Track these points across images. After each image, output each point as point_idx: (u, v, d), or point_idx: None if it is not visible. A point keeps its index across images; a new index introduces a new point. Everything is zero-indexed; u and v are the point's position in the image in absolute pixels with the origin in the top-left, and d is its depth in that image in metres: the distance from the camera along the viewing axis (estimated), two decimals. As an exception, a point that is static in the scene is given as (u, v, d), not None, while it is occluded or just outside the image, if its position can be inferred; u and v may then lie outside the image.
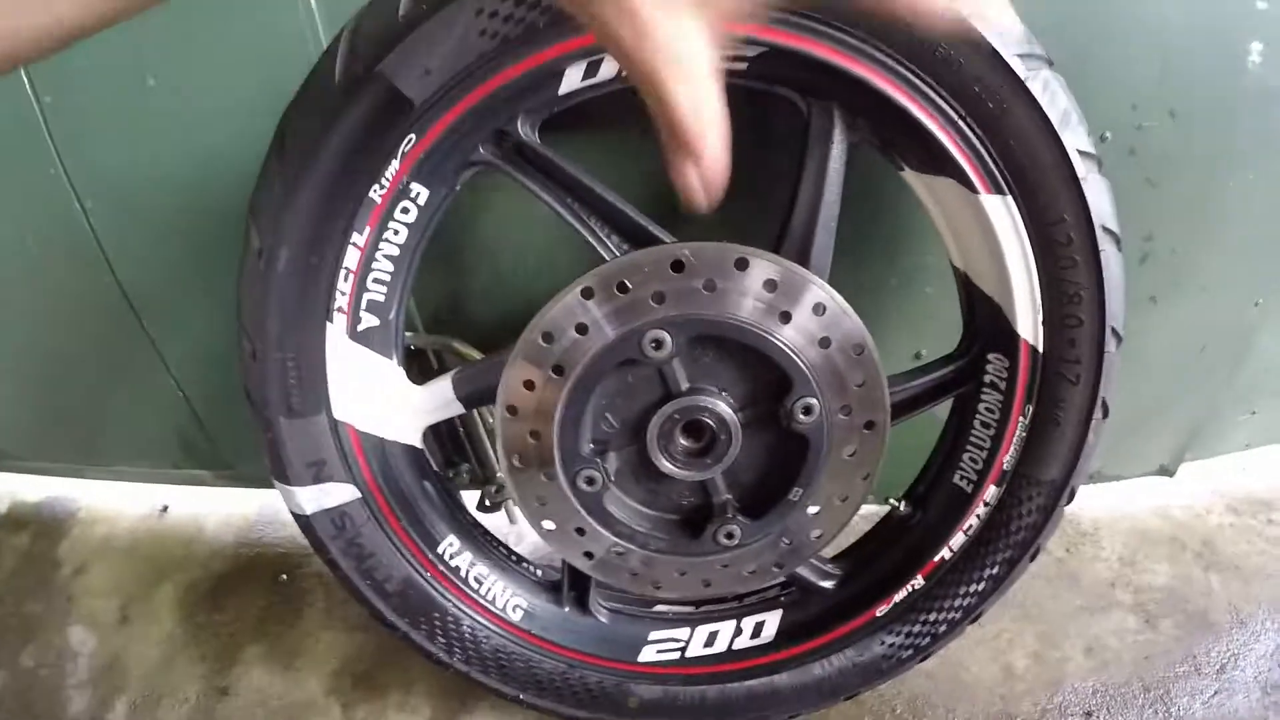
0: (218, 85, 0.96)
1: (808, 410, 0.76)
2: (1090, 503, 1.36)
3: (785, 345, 0.73)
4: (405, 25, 0.73)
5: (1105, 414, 0.88)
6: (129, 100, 0.96)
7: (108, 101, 0.97)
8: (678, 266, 0.71)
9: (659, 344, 0.72)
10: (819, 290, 0.73)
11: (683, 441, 0.80)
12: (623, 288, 0.72)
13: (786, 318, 0.73)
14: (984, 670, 1.15)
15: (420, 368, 0.99)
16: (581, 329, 0.73)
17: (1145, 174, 1.04)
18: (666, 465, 0.79)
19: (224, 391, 1.14)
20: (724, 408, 0.77)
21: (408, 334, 0.96)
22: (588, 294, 0.72)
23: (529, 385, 0.76)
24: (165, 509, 1.44)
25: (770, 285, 0.72)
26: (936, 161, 0.78)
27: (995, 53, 0.73)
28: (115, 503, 1.47)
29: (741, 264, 0.71)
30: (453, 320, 1.00)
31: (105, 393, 1.26)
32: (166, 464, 1.33)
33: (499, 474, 1.01)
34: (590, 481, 0.79)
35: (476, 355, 0.95)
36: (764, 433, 0.80)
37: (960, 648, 1.12)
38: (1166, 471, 1.38)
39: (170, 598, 1.31)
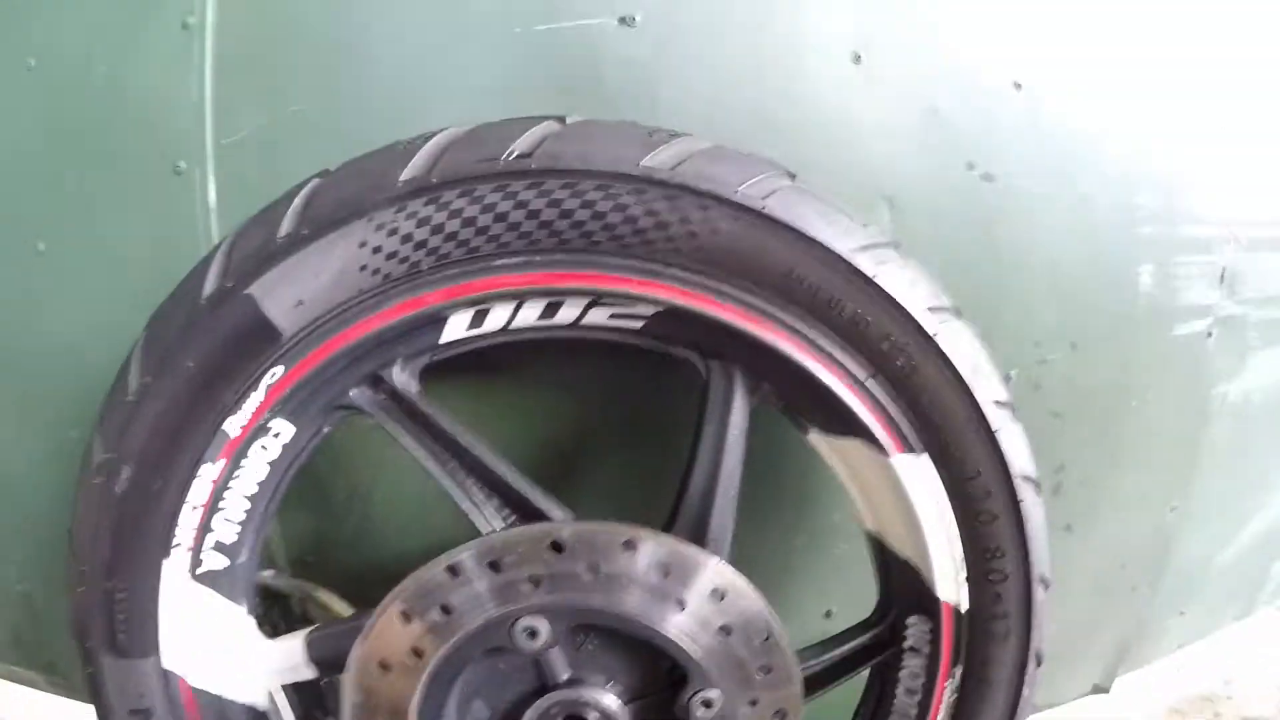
0: (106, 266, 0.89)
1: (707, 704, 0.65)
2: (1028, 736, 1.25)
3: (679, 637, 0.63)
4: (284, 247, 0.66)
5: (1039, 663, 0.80)
6: (16, 260, 0.89)
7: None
8: (557, 547, 0.62)
9: (533, 633, 0.62)
10: (716, 574, 0.64)
11: (564, 735, 0.68)
12: (495, 567, 0.62)
13: (681, 605, 0.64)
14: None
15: (282, 611, 0.86)
16: (446, 609, 0.62)
17: (1050, 407, 1.02)
18: (544, 764, 0.66)
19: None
20: (610, 701, 0.66)
21: (267, 573, 0.83)
22: (454, 571, 0.62)
23: (384, 666, 0.64)
24: None
25: (662, 569, 0.63)
26: (844, 423, 0.73)
27: (903, 308, 0.69)
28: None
29: (628, 545, 0.63)
30: (318, 565, 0.88)
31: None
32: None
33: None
34: (452, 786, 0.66)
35: (340, 607, 0.82)
36: (658, 726, 0.68)
37: None
38: (1101, 689, 1.29)
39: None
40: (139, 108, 0.83)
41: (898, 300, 0.69)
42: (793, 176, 0.69)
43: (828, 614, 1.00)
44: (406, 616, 0.63)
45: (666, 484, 0.72)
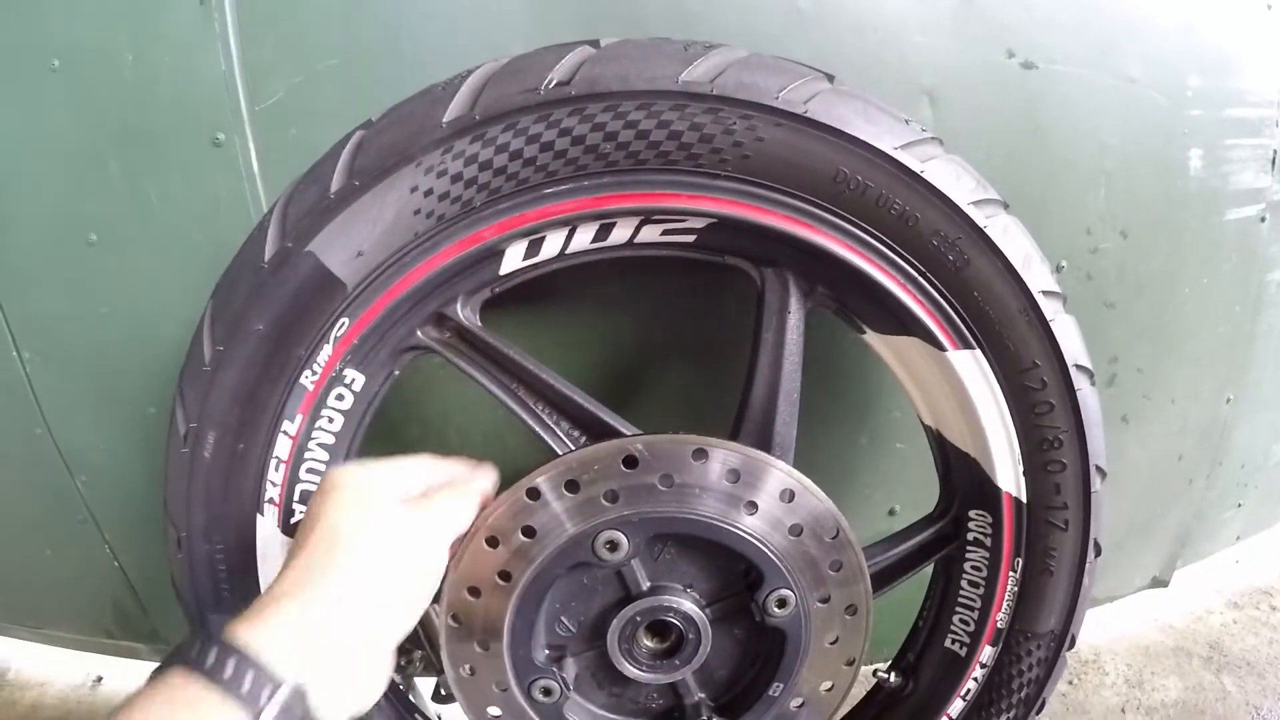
0: (159, 247, 0.89)
1: (783, 603, 0.66)
2: (1087, 629, 1.25)
3: (753, 537, 0.64)
4: (337, 202, 0.66)
5: (1098, 553, 0.79)
6: (70, 254, 0.90)
7: (49, 254, 0.91)
8: (630, 462, 0.62)
9: (614, 546, 0.63)
10: (785, 475, 0.64)
11: (648, 643, 0.69)
12: (572, 487, 0.63)
13: (752, 508, 0.64)
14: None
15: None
16: (529, 532, 0.64)
17: (1103, 297, 0.99)
18: (631, 670, 0.68)
19: (160, 563, 1.03)
20: (690, 606, 0.67)
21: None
22: (534, 495, 0.63)
23: (474, 592, 0.65)
24: (99, 680, 1.28)
25: (732, 475, 0.63)
26: (899, 322, 0.71)
27: (952, 203, 0.67)
28: (47, 669, 1.32)
29: (699, 455, 0.63)
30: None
31: (35, 549, 1.13)
32: (99, 633, 1.19)
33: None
34: (547, 692, 0.68)
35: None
36: (737, 627, 0.70)
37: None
38: (1160, 583, 1.29)
39: (100, 778, 1.15)
40: (169, 88, 0.83)
41: (945, 194, 0.67)
42: (831, 79, 0.67)
43: (891, 511, 1.00)
44: (492, 542, 0.64)
45: (729, 393, 0.72)
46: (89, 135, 0.86)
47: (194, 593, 0.75)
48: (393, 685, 0.84)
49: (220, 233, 0.85)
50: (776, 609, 0.66)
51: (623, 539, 0.63)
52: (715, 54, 0.65)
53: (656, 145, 0.64)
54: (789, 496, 0.64)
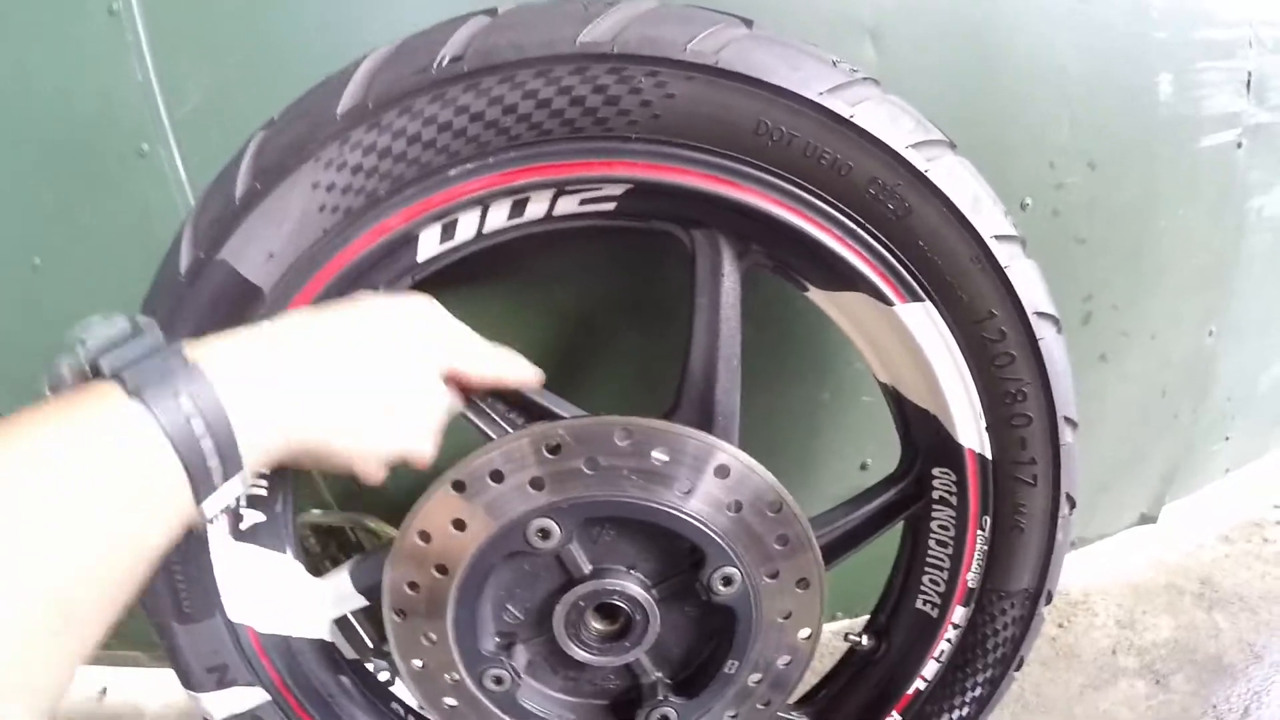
0: (98, 265, 0.87)
1: (728, 580, 0.63)
2: (1076, 570, 1.21)
3: (689, 516, 0.60)
4: (243, 206, 0.62)
5: (1072, 507, 0.75)
6: (17, 278, 0.88)
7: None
8: (554, 449, 0.59)
9: (546, 533, 0.60)
10: (719, 452, 0.60)
11: (596, 625, 0.67)
12: (497, 476, 0.60)
13: (685, 487, 0.60)
14: (991, 782, 1.00)
15: (339, 544, 0.86)
16: (459, 525, 0.61)
17: (1073, 233, 0.93)
18: (582, 654, 0.66)
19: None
20: (634, 587, 0.64)
21: (315, 512, 0.84)
22: (459, 487, 0.60)
23: (413, 587, 0.63)
24: (104, 692, 1.30)
25: (662, 454, 0.59)
26: (841, 277, 0.67)
27: (888, 148, 0.61)
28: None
29: (624, 435, 0.59)
30: (360, 493, 0.88)
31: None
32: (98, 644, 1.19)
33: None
34: (498, 681, 0.66)
35: (389, 530, 0.82)
36: (687, 605, 0.67)
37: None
38: (1149, 519, 1.24)
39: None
40: (88, 104, 0.80)
41: (879, 139, 0.61)
42: (749, 24, 0.61)
43: (863, 466, 0.97)
44: (424, 536, 0.61)
45: (675, 363, 0.68)
46: (18, 159, 0.83)
47: (155, 605, 0.73)
48: (374, 681, 0.83)
49: (155, 245, 0.82)
50: (722, 587, 0.63)
51: (554, 526, 0.60)
52: (617, 9, 0.59)
53: (560, 114, 0.59)
54: (724, 473, 0.60)
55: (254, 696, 0.77)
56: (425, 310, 0.57)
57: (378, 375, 0.52)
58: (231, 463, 0.42)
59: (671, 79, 0.59)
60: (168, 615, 0.73)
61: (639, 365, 0.86)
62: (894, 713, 0.80)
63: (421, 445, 0.55)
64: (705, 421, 0.66)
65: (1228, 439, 1.24)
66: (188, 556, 0.72)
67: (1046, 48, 0.84)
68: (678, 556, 0.64)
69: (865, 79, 0.62)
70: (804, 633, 0.67)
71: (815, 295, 0.71)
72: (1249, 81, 0.95)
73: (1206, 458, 1.24)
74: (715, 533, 0.61)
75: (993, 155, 0.86)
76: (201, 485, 0.41)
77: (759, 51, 0.59)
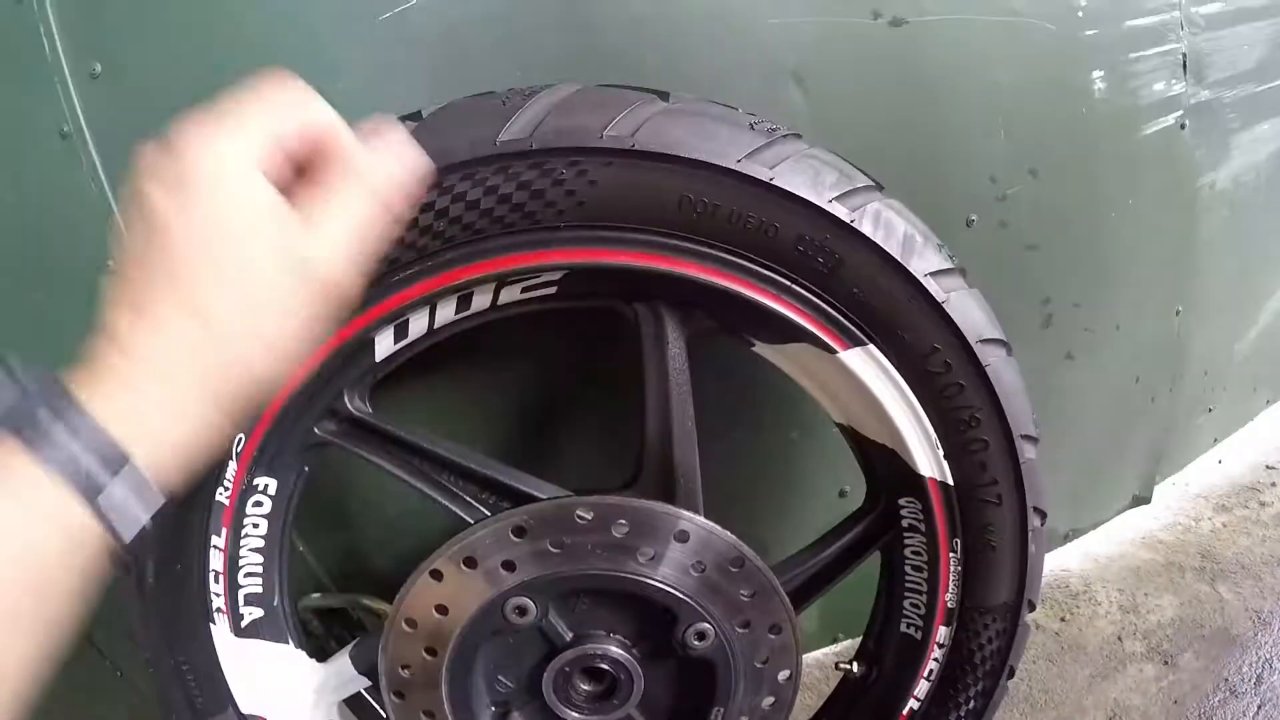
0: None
1: (701, 635, 0.65)
2: (1074, 559, 1.21)
3: (655, 581, 0.63)
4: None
5: (1043, 519, 0.76)
6: None
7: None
8: (519, 532, 0.61)
9: (523, 610, 0.63)
10: (674, 518, 0.62)
11: (585, 687, 0.69)
12: (470, 563, 0.62)
13: (649, 554, 0.62)
14: (1006, 783, 1.01)
15: (343, 624, 0.89)
16: (441, 609, 0.63)
17: (1023, 241, 0.94)
18: (574, 715, 0.68)
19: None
20: (616, 650, 0.66)
21: (314, 596, 0.87)
22: (437, 576, 0.63)
23: (406, 668, 0.66)
24: None
25: (622, 527, 0.62)
26: (783, 332, 0.68)
27: (810, 204, 0.63)
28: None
29: (585, 514, 0.61)
30: (358, 574, 0.91)
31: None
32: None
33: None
34: (498, 749, 0.69)
35: (388, 609, 0.85)
36: (667, 659, 0.69)
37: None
38: (1142, 500, 1.24)
39: None
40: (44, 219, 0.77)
41: (802, 197, 0.63)
42: (665, 97, 0.62)
43: (841, 493, 0.98)
44: (411, 624, 0.64)
45: (636, 428, 0.70)
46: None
47: (169, 702, 0.76)
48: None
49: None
50: (697, 642, 0.65)
51: (529, 603, 0.62)
52: (535, 101, 0.61)
53: (489, 213, 0.61)
54: (684, 537, 0.62)
55: (274, 781, 0.80)
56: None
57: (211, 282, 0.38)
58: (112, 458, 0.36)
59: (591, 166, 0.60)
60: (183, 712, 0.76)
61: (601, 434, 0.88)
62: (892, 733, 0.82)
63: (309, 263, 0.39)
64: (668, 484, 0.68)
65: (1211, 410, 1.23)
66: (194, 655, 0.75)
67: (975, 65, 0.85)
68: (654, 616, 0.66)
69: (785, 136, 0.64)
70: (783, 674, 0.69)
71: (762, 349, 0.72)
72: (1184, 63, 0.95)
73: (1192, 432, 1.24)
74: (683, 594, 0.63)
75: (932, 179, 0.87)
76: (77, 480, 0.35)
77: (673, 127, 0.61)
